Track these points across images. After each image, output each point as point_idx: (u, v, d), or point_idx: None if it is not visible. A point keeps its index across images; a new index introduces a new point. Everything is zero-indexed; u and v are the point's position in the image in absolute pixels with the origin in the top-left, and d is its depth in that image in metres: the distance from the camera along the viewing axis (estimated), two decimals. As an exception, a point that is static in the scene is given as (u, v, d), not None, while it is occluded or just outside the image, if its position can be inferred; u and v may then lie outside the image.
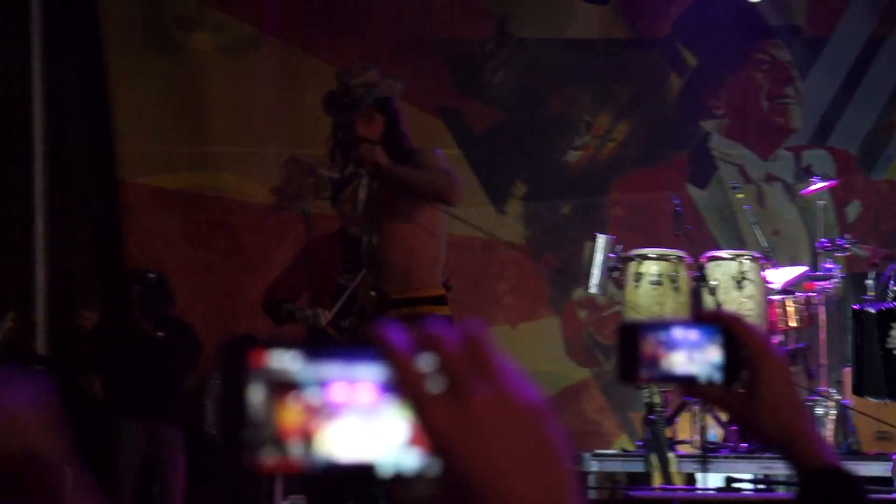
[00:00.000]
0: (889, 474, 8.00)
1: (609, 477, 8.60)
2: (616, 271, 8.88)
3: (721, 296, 8.15)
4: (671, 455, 7.89)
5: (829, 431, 8.41)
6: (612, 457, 8.68)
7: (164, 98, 11.56)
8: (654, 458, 7.91)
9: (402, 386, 0.90)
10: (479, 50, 11.91)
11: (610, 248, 8.86)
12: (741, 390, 1.39)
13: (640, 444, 8.40)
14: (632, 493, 7.03)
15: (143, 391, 8.31)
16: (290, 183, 10.42)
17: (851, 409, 8.52)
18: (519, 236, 11.55)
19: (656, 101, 11.90)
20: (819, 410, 8.29)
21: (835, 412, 8.47)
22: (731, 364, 1.33)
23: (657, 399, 7.77)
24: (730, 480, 6.84)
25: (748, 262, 8.39)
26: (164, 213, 11.31)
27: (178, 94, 11.57)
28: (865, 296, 8.91)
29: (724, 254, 8.62)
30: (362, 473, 0.93)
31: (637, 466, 8.07)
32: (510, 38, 11.94)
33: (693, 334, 1.31)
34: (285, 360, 0.93)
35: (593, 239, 9.02)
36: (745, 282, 8.26)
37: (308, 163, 10.00)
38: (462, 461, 0.88)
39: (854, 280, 9.55)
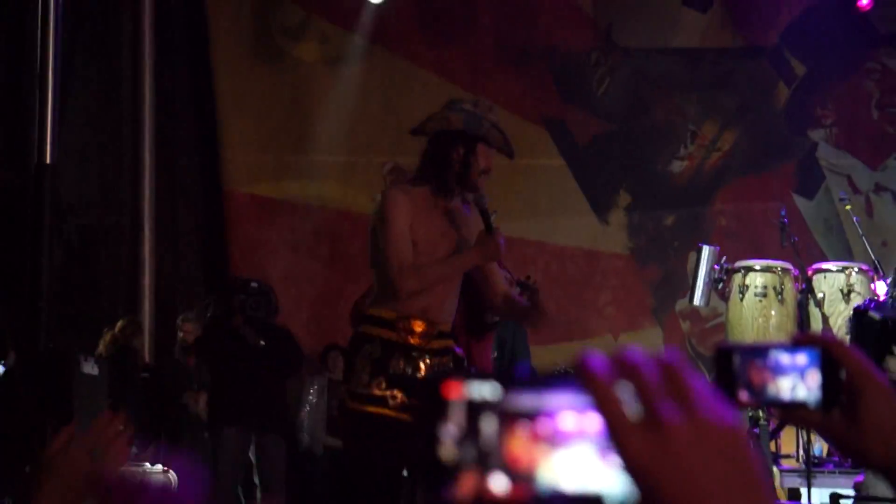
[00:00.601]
0: None
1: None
2: (720, 283, 8.79)
3: (827, 308, 8.03)
4: (775, 469, 7.80)
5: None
6: None
7: (270, 107, 11.69)
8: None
9: (600, 414, 0.91)
10: (584, 59, 11.89)
11: (714, 259, 8.78)
12: (841, 414, 1.38)
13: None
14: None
15: (246, 399, 8.38)
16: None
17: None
18: (622, 246, 11.50)
19: (763, 110, 11.80)
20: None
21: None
22: (831, 387, 1.32)
23: (761, 413, 7.68)
24: (835, 497, 6.72)
25: (856, 274, 8.25)
26: (269, 222, 11.42)
27: (284, 104, 11.69)
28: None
29: (831, 266, 8.48)
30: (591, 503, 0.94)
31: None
32: (615, 48, 11.90)
33: (792, 357, 1.30)
34: (484, 391, 0.95)
35: (697, 250, 8.94)
36: (852, 294, 8.12)
37: (410, 172, 10.03)
38: (660, 490, 0.88)
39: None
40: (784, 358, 1.28)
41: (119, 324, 9.44)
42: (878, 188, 11.60)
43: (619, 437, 0.90)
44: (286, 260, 11.29)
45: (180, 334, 9.57)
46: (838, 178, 11.51)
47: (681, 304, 10.86)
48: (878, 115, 11.76)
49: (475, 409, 0.94)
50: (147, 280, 10.94)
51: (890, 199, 11.54)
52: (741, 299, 8.31)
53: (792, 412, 1.33)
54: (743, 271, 8.43)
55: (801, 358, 1.29)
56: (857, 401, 1.35)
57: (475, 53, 11.73)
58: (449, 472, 0.93)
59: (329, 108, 11.68)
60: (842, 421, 1.36)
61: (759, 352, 1.28)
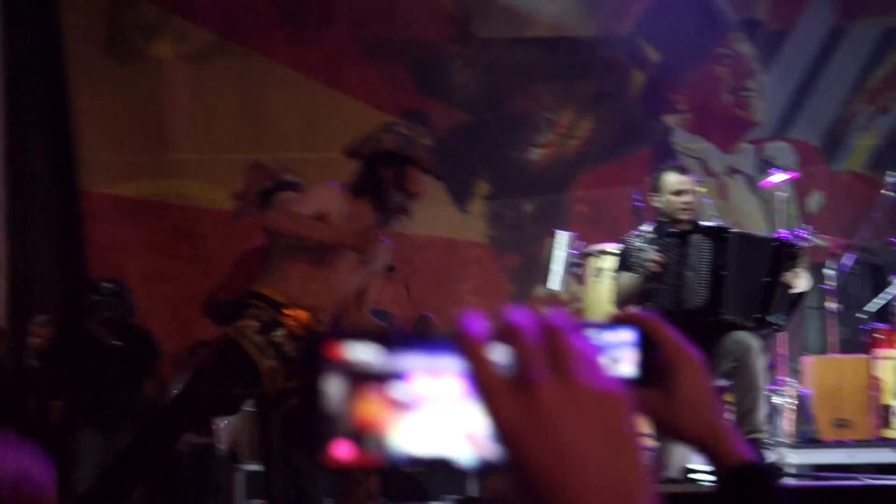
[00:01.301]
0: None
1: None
2: (577, 267, 8.91)
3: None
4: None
5: (787, 420, 8.44)
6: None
7: (126, 106, 11.54)
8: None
9: (471, 374, 0.88)
10: (442, 51, 11.92)
11: (570, 244, 8.89)
12: (658, 391, 1.39)
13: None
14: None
15: (101, 401, 8.28)
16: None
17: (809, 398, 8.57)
18: (482, 235, 11.56)
19: (619, 97, 11.93)
20: (777, 400, 8.32)
21: (793, 402, 8.50)
22: (648, 365, 1.33)
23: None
24: (687, 471, 6.84)
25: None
26: (127, 221, 11.29)
27: (140, 102, 11.55)
28: (825, 285, 8.94)
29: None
30: (442, 468, 0.92)
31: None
32: (473, 39, 11.95)
33: (611, 336, 1.31)
34: (364, 352, 0.92)
35: (553, 236, 9.04)
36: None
37: (270, 168, 10.02)
38: (528, 453, 0.86)
39: (814, 270, 9.57)
40: (602, 336, 1.29)
41: None
42: (732, 171, 11.80)
43: (489, 398, 0.87)
44: (145, 259, 11.17)
45: (32, 339, 9.42)
46: (692, 161, 11.67)
47: (540, 291, 10.94)
48: (730, 99, 11.96)
49: (335, 371, 0.91)
50: (2, 284, 10.74)
51: (742, 181, 11.74)
52: (597, 283, 8.42)
53: None
54: (598, 255, 8.55)
55: (620, 336, 1.31)
56: (672, 377, 1.37)
57: (333, 47, 11.71)
58: (320, 434, 0.90)
59: (186, 105, 11.57)
60: (658, 398, 1.38)
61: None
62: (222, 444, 8.80)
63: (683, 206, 6.98)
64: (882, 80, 11.97)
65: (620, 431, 0.87)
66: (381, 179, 5.67)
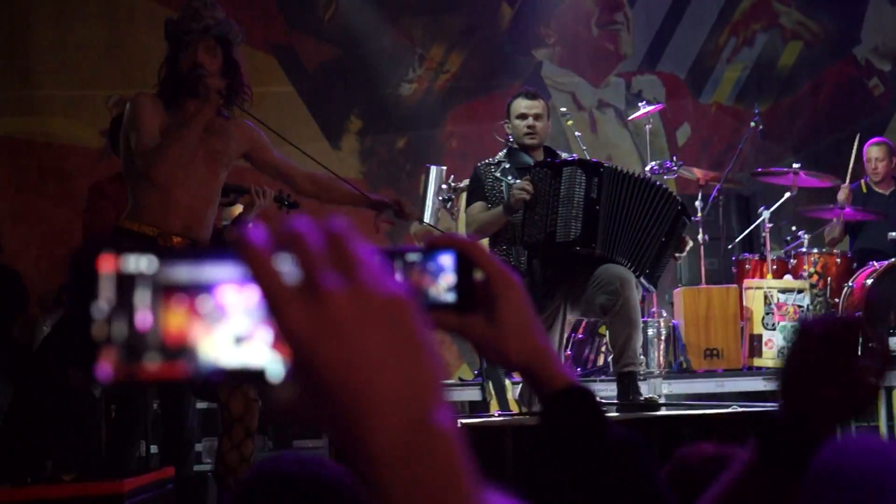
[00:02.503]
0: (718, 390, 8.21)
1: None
2: (449, 202, 8.92)
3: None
4: (507, 382, 7.99)
5: (660, 351, 8.59)
6: (451, 386, 8.75)
7: (-12, 42, 11.27)
8: (490, 386, 8.02)
9: (257, 284, 0.86)
10: (310, -15, 11.81)
11: (442, 179, 8.88)
12: (480, 316, 1.39)
13: (477, 372, 8.50)
14: (468, 420, 7.11)
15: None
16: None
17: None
18: (355, 171, 11.52)
19: (488, 31, 11.94)
20: (651, 331, 8.45)
21: (665, 332, 8.64)
22: (466, 289, 1.32)
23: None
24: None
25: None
26: (-8, 160, 11.07)
27: (3, 37, 11.28)
28: (695, 218, 9.07)
29: (555, 181, 8.66)
30: (251, 378, 0.90)
31: (475, 395, 8.17)
32: (341, -27, 11.85)
33: (428, 260, 1.30)
34: (140, 264, 0.90)
35: (425, 171, 9.03)
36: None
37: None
38: (317, 359, 0.85)
39: (684, 202, 9.71)
40: (420, 261, 1.28)
41: None
42: (601, 104, 11.90)
43: (276, 307, 0.86)
44: (11, 199, 10.95)
45: None
46: (563, 95, 11.76)
47: (415, 227, 10.94)
48: (599, 33, 12.03)
49: (129, 283, 0.89)
50: None
51: (612, 114, 11.85)
52: (470, 217, 8.43)
53: (431, 316, 1.33)
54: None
55: (437, 260, 1.30)
56: (493, 301, 1.38)
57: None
58: (100, 351, 0.88)
59: (51, 41, 11.32)
60: (481, 323, 1.39)
61: (393, 255, 1.27)
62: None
63: (527, 131, 6.92)
64: (746, 13, 12.13)
65: (411, 335, 0.87)
66: (164, 63, 5.49)
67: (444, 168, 8.87)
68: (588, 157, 7.17)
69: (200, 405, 7.87)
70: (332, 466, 1.81)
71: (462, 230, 8.36)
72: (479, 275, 1.35)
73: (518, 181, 6.71)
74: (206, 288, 0.91)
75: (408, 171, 11.50)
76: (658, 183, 6.80)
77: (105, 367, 0.88)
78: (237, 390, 5.28)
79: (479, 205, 7.01)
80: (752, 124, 9.61)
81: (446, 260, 1.29)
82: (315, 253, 0.87)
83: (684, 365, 8.66)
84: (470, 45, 11.84)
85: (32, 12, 11.35)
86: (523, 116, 6.91)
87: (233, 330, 0.91)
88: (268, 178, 5.97)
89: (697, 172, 9.37)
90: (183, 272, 0.91)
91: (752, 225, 9.68)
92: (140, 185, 5.33)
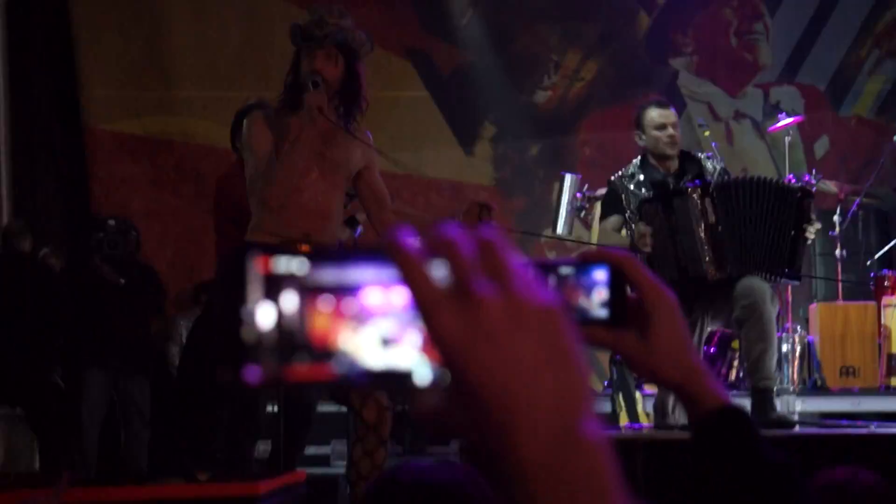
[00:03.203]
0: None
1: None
2: (583, 211, 8.88)
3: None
4: (637, 394, 7.92)
5: (794, 367, 8.46)
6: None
7: (129, 42, 11.46)
8: (620, 398, 7.95)
9: (409, 288, 0.86)
10: (446, -10, 11.84)
11: (577, 187, 8.85)
12: (633, 332, 1.37)
13: (608, 384, 8.44)
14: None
15: (106, 339, 8.26)
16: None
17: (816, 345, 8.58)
18: (488, 178, 11.54)
19: (625, 39, 11.87)
20: (785, 347, 8.32)
21: (800, 348, 8.51)
22: (618, 304, 1.30)
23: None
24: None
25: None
26: (131, 159, 11.25)
27: (143, 39, 11.47)
28: (833, 232, 8.92)
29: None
30: (398, 381, 0.90)
31: (604, 406, 8.11)
32: (478, -22, 11.88)
33: (581, 274, 1.28)
34: (291, 265, 0.90)
35: (560, 179, 9.00)
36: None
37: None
38: (470, 365, 0.85)
39: (821, 217, 9.57)
40: (573, 275, 1.26)
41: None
42: (738, 115, 11.77)
43: (429, 312, 0.86)
44: (149, 197, 11.14)
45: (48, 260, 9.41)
46: (699, 105, 11.65)
47: (547, 234, 10.94)
48: (737, 42, 11.90)
49: (279, 284, 0.89)
50: (6, 221, 10.72)
51: (749, 125, 11.71)
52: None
53: (582, 331, 1.30)
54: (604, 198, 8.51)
55: (590, 275, 1.28)
56: (647, 318, 1.35)
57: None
58: (250, 353, 0.88)
59: (190, 42, 11.49)
60: (633, 339, 1.37)
61: (547, 268, 1.26)
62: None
63: (668, 141, 6.80)
64: (889, 24, 11.91)
65: (562, 345, 0.86)
66: (289, 71, 5.44)
67: (579, 176, 8.86)
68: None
69: (326, 408, 7.91)
70: (458, 472, 1.81)
71: (595, 240, 8.32)
72: (632, 290, 1.33)
73: (642, 221, 6.58)
74: (352, 289, 0.90)
75: (541, 178, 11.46)
76: (769, 178, 6.68)
77: (254, 369, 0.88)
78: (370, 397, 5.27)
79: (614, 220, 6.93)
80: (895, 138, 9.44)
81: (600, 274, 1.28)
82: (468, 259, 0.86)
83: (819, 382, 8.52)
84: (606, 53, 11.78)
85: (172, 15, 11.53)
86: (662, 127, 6.79)
87: (380, 332, 0.90)
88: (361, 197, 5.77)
89: (836, 186, 9.21)
90: (331, 274, 0.90)
91: (891, 241, 9.49)
92: (258, 202, 5.35)
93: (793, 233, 6.50)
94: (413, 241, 0.87)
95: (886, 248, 9.62)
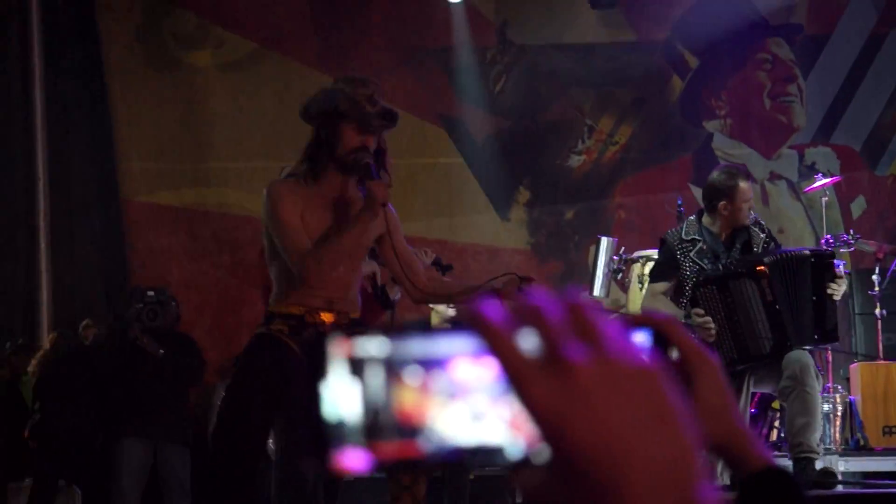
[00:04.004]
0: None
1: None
2: (619, 273, 8.86)
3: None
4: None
5: (836, 427, 8.38)
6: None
7: (166, 116, 11.59)
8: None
9: (500, 363, 0.83)
10: (480, 58, 11.91)
11: (613, 250, 8.84)
12: None
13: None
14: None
15: (146, 409, 8.26)
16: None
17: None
18: (523, 242, 11.54)
19: (659, 103, 11.90)
20: (826, 407, 8.25)
21: (841, 408, 8.44)
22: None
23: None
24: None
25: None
26: (168, 230, 11.33)
27: (180, 112, 11.60)
28: (872, 292, 8.86)
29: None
30: (490, 457, 0.87)
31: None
32: (511, 45, 11.95)
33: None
34: (370, 347, 0.87)
35: (596, 242, 8.99)
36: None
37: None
38: (568, 435, 0.80)
39: (860, 276, 9.53)
40: None
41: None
42: (773, 176, 11.75)
43: (520, 383, 0.82)
44: (187, 268, 11.20)
45: (85, 342, 9.46)
46: (734, 167, 11.64)
47: (583, 297, 10.91)
48: (771, 104, 11.91)
49: (361, 366, 0.87)
50: (44, 295, 10.79)
51: (785, 186, 11.69)
52: (640, 288, 8.37)
53: None
54: (641, 261, 8.51)
55: (636, 338, 1.27)
56: (690, 380, 1.35)
57: (370, 53, 11.72)
58: (334, 434, 0.86)
59: (225, 114, 11.60)
60: None
61: None
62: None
63: (748, 213, 6.78)
64: (924, 84, 11.91)
65: (665, 406, 0.82)
66: (313, 141, 5.28)
67: (615, 239, 8.84)
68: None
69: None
70: None
71: (636, 301, 8.30)
72: (675, 354, 1.33)
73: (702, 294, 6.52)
74: (438, 364, 0.87)
75: (576, 242, 11.46)
76: (813, 249, 6.67)
77: (344, 453, 0.86)
78: None
79: (663, 285, 6.83)
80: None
81: (642, 338, 1.27)
82: (557, 325, 0.83)
83: (861, 442, 8.43)
84: (640, 117, 11.81)
85: (207, 88, 11.64)
86: (749, 200, 6.73)
87: (469, 407, 0.87)
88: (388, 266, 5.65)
89: (874, 246, 9.17)
90: (414, 349, 0.88)
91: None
92: (286, 274, 5.24)
93: (814, 298, 6.47)
94: (497, 312, 0.84)
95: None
